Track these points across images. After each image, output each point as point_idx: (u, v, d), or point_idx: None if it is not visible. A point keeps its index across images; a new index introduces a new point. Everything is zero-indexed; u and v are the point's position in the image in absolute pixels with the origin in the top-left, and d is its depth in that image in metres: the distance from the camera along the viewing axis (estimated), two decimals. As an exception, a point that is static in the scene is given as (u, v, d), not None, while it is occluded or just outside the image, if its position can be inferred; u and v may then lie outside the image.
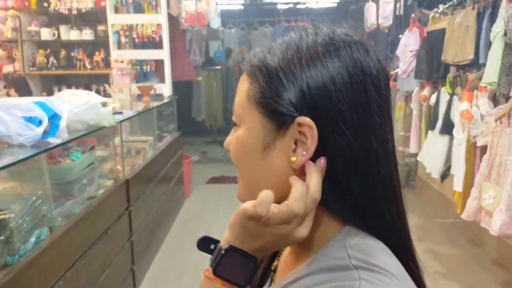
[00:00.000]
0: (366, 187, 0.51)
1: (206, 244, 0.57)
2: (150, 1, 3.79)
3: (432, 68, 2.99)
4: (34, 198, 1.57)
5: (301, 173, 0.50)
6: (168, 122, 3.90)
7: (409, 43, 3.39)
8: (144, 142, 3.05)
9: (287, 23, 7.32)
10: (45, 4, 4.03)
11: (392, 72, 3.96)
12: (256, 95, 0.52)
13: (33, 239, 1.53)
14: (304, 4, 7.58)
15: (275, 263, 0.66)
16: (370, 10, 4.19)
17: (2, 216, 1.39)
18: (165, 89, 3.95)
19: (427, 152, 3.09)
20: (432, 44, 2.99)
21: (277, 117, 0.50)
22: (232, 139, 0.56)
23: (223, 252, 0.52)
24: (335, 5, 7.57)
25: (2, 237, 1.34)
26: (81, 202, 2.01)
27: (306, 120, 0.48)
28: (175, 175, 3.64)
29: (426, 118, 3.21)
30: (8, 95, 4.23)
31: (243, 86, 0.54)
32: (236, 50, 6.88)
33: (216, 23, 4.42)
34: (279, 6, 7.71)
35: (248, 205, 0.49)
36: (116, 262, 2.28)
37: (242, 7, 7.63)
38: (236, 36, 7.37)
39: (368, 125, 0.51)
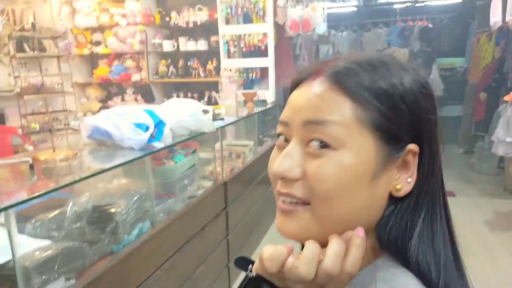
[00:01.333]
0: (433, 215, 0.50)
1: (243, 263, 0.55)
2: (257, 11, 3.95)
3: None
4: (138, 195, 1.78)
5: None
6: (270, 127, 4.02)
7: (541, 42, 2.94)
8: (244, 146, 3.20)
9: (403, 23, 6.94)
10: (167, 19, 4.49)
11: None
12: (374, 118, 0.47)
13: (136, 231, 1.73)
14: (423, 2, 7.09)
15: None
16: (495, 6, 3.73)
17: (111, 210, 1.61)
18: (269, 95, 4.08)
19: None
20: None
21: (395, 143, 0.47)
22: (300, 163, 0.48)
23: (249, 278, 0.50)
24: (460, 1, 6.91)
25: (109, 228, 1.55)
26: (181, 200, 2.20)
27: (414, 147, 0.48)
28: (274, 179, 3.73)
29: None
30: (136, 100, 4.82)
31: (339, 102, 0.47)
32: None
33: (321, 29, 4.41)
34: (396, 6, 7.35)
35: (265, 252, 0.47)
36: (212, 258, 2.43)
37: (355, 9, 7.46)
38: (347, 39, 7.22)
39: (437, 147, 0.51)
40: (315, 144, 0.47)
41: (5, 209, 1.04)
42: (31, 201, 1.20)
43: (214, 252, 2.47)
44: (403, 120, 0.47)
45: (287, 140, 0.51)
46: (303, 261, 0.44)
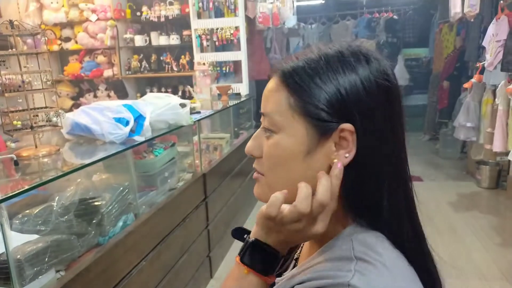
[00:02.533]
0: (387, 188, 0.57)
1: (239, 233, 0.65)
2: (229, 5, 4.00)
3: (522, 59, 2.74)
4: (121, 188, 1.82)
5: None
6: (244, 120, 4.10)
7: (496, 33, 3.14)
8: (221, 139, 3.26)
9: (370, 15, 7.13)
10: (138, 13, 4.47)
11: (478, 64, 3.69)
12: (300, 104, 0.55)
13: (120, 223, 1.78)
14: (388, -6, 7.30)
15: (298, 252, 0.74)
16: (455, -1, 3.93)
17: (96, 203, 1.65)
18: (243, 88, 4.15)
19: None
20: (522, 33, 2.75)
21: (323, 124, 0.55)
22: (261, 145, 0.60)
23: (249, 243, 0.59)
24: (423, -7, 7.17)
25: (95, 220, 1.59)
26: (162, 192, 2.25)
27: (348, 126, 0.54)
28: (250, 170, 3.81)
29: (513, 114, 2.96)
30: (108, 96, 4.78)
31: (279, 94, 0.57)
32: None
33: (291, 22, 4.50)
34: (362, -2, 7.54)
35: (264, 207, 0.57)
36: (194, 248, 2.50)
37: (323, 2, 7.59)
38: (317, 31, 7.36)
39: (392, 127, 0.57)
40: (265, 129, 0.59)
41: (-2, 203, 1.08)
42: (16, 197, 1.23)
43: (196, 242, 2.54)
44: (327, 101, 0.55)
45: None
46: (300, 198, 0.54)
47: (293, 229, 0.55)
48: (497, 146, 3.20)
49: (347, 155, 0.55)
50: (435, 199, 3.91)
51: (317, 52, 0.58)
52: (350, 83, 0.54)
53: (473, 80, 3.89)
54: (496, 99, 3.27)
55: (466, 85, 4.03)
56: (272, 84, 0.59)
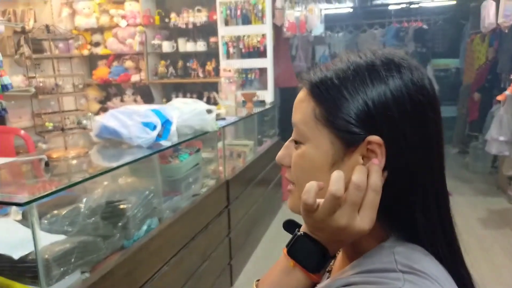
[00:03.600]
0: (422, 202, 0.55)
1: (291, 226, 0.64)
2: (256, 13, 4.01)
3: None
4: (147, 192, 1.83)
5: None
6: (268, 127, 4.08)
7: (533, 44, 3.03)
8: (245, 146, 3.26)
9: (398, 24, 7.04)
10: (166, 20, 4.54)
11: (512, 76, 3.57)
12: (324, 115, 0.55)
13: (145, 227, 1.78)
14: (418, 3, 7.19)
15: (331, 264, 0.72)
16: (488, 8, 3.83)
17: (122, 206, 1.66)
18: (268, 95, 4.14)
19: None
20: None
21: (348, 135, 0.53)
22: (290, 154, 0.60)
23: (298, 236, 0.58)
24: (454, 2, 7.03)
25: (121, 223, 1.60)
26: (186, 198, 2.26)
27: (376, 138, 0.52)
28: (273, 178, 3.80)
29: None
30: (135, 101, 4.86)
31: (306, 105, 0.57)
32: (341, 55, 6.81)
33: (318, 30, 4.47)
34: (391, 7, 7.44)
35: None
36: (215, 255, 2.49)
37: (351, 10, 7.54)
38: (343, 39, 7.31)
39: (426, 142, 0.55)
40: (294, 140, 0.60)
41: (30, 202, 1.09)
42: (46, 197, 1.24)
43: (217, 249, 2.53)
44: (352, 111, 0.53)
45: None
46: (333, 181, 0.51)
47: (335, 224, 0.52)
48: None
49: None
50: (463, 215, 3.78)
51: (346, 61, 0.57)
52: (378, 94, 0.53)
53: (507, 92, 3.76)
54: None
55: (499, 98, 3.89)
56: (301, 94, 0.59)
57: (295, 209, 0.60)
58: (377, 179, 0.52)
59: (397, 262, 0.52)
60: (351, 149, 0.54)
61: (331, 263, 0.72)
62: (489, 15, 3.81)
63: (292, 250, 0.58)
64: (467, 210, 3.90)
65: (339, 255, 0.69)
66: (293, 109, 0.60)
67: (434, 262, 0.54)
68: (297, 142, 0.59)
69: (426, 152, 0.55)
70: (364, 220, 0.52)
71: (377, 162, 0.52)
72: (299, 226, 0.61)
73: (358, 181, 0.51)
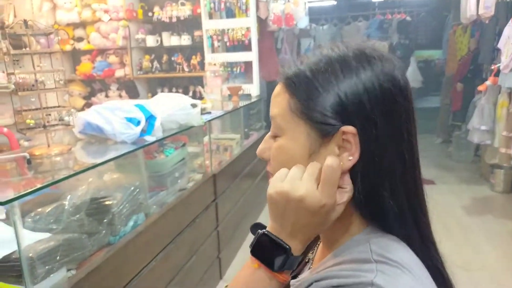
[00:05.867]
0: (393, 191, 0.56)
1: (257, 228, 0.62)
2: (240, 6, 3.99)
3: (539, 61, 2.69)
4: (132, 188, 1.82)
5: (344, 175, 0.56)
6: (255, 120, 4.09)
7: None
8: (231, 139, 3.26)
9: (382, 16, 7.08)
10: (150, 14, 4.49)
11: (493, 67, 3.63)
12: (299, 107, 0.56)
13: (131, 223, 1.78)
14: (402, -5, 7.24)
15: (312, 254, 0.74)
16: (469, 0, 3.88)
17: (107, 202, 1.65)
18: (253, 89, 4.14)
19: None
20: (539, 35, 2.69)
21: (323, 127, 0.55)
22: (270, 147, 0.61)
23: (259, 235, 0.58)
24: (436, -6, 7.10)
25: (106, 220, 1.59)
26: (173, 193, 2.25)
27: (350, 128, 0.54)
28: (260, 171, 3.82)
29: (530, 117, 2.90)
30: (120, 96, 4.80)
31: (282, 98, 0.59)
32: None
33: (303, 23, 4.47)
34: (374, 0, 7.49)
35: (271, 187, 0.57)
36: (203, 249, 2.50)
37: (335, 3, 7.56)
38: (328, 32, 7.32)
39: (397, 131, 0.56)
40: (272, 133, 0.61)
41: (12, 201, 1.08)
42: (29, 195, 1.23)
43: (205, 243, 2.54)
44: (325, 106, 0.54)
45: None
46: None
47: (296, 195, 0.53)
48: (513, 150, 3.14)
49: (350, 158, 0.54)
50: (447, 203, 3.85)
51: (319, 55, 0.58)
52: (350, 86, 0.54)
53: (487, 82, 3.83)
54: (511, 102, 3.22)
55: (480, 88, 3.97)
56: (277, 89, 0.60)
57: None
58: (333, 158, 0.54)
59: (372, 251, 0.54)
60: (327, 140, 0.55)
61: (312, 253, 0.73)
62: (470, 7, 3.86)
63: (255, 250, 0.58)
64: (451, 198, 3.98)
65: (319, 247, 0.70)
66: (270, 104, 0.61)
67: (406, 250, 0.56)
68: (275, 136, 0.60)
69: (398, 141, 0.56)
70: (322, 193, 0.53)
71: (331, 158, 0.54)
72: (264, 227, 0.60)
73: (310, 168, 0.55)
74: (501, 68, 3.34)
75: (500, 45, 3.41)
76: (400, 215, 0.57)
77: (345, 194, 0.55)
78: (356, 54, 0.56)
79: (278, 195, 0.55)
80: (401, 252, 0.55)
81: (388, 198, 0.56)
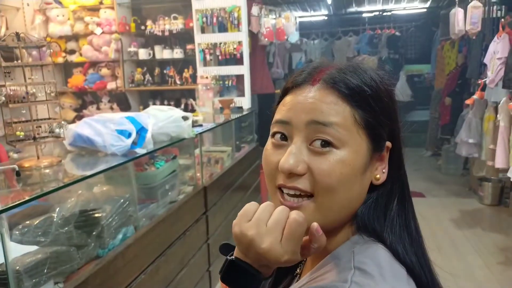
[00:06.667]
0: (394, 205, 0.60)
1: (226, 250, 0.61)
2: (232, 20, 4.05)
3: (523, 76, 2.76)
4: (122, 200, 1.81)
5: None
6: (246, 133, 4.10)
7: (497, 50, 3.17)
8: (222, 152, 3.27)
9: (372, 31, 7.21)
10: (142, 27, 4.52)
11: (479, 81, 3.71)
12: (366, 119, 0.56)
13: (120, 235, 1.77)
14: (390, 11, 7.39)
15: (298, 270, 0.73)
16: (457, 16, 3.98)
17: (96, 215, 1.64)
18: (245, 102, 4.17)
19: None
20: (523, 51, 2.77)
21: (381, 142, 0.58)
22: (304, 160, 0.55)
23: (228, 262, 0.56)
24: (425, 10, 7.25)
25: (95, 232, 1.58)
26: (163, 205, 2.25)
27: (389, 143, 0.59)
28: (252, 183, 3.82)
29: (515, 131, 2.97)
30: (111, 109, 4.80)
31: (342, 108, 0.55)
32: (317, 61, 6.92)
33: (294, 38, 4.55)
34: (364, 15, 7.62)
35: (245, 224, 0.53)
36: (193, 262, 2.48)
37: (326, 18, 7.68)
38: (319, 46, 7.44)
39: (401, 153, 0.63)
40: (318, 143, 0.54)
41: (-1, 213, 1.08)
42: (17, 208, 1.23)
43: (195, 256, 2.52)
44: (384, 119, 0.58)
45: (285, 138, 0.58)
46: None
47: (265, 260, 0.53)
48: (499, 163, 3.20)
49: (384, 170, 0.59)
50: (437, 216, 3.89)
51: (369, 72, 0.59)
52: (394, 106, 0.60)
53: (475, 96, 3.91)
54: (498, 116, 3.28)
55: (468, 102, 4.04)
56: (326, 95, 0.56)
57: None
58: (299, 214, 0.52)
59: (355, 259, 0.54)
60: (375, 155, 0.58)
61: (300, 267, 0.73)
62: (458, 22, 3.96)
63: (225, 275, 0.56)
64: (441, 211, 4.01)
65: (308, 260, 0.70)
66: (316, 109, 0.55)
67: (392, 260, 0.56)
68: (326, 146, 0.54)
69: (402, 155, 0.62)
70: (286, 248, 0.51)
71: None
72: (233, 249, 0.58)
73: (278, 215, 0.52)
74: (487, 82, 3.42)
75: (486, 60, 3.49)
76: (392, 225, 0.59)
77: (312, 250, 0.54)
78: (366, 67, 0.61)
79: (243, 237, 0.52)
80: (385, 262, 0.55)
81: (389, 211, 0.59)
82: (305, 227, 0.52)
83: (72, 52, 4.75)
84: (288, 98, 0.59)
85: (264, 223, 0.52)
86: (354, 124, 0.55)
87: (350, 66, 0.59)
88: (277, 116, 0.59)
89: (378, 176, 0.58)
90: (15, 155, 1.73)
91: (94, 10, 4.58)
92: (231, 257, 0.56)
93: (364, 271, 0.52)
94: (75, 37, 4.71)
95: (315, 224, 0.53)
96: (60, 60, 4.71)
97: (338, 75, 0.56)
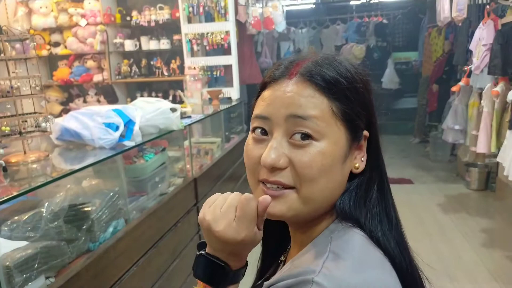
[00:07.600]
0: (374, 192, 0.62)
1: (201, 248, 0.63)
2: (219, 10, 4.01)
3: (507, 63, 2.79)
4: (112, 193, 1.81)
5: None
6: (236, 124, 4.10)
7: (483, 37, 3.20)
8: (212, 143, 3.26)
9: (359, 19, 7.21)
10: (128, 18, 4.46)
11: (465, 68, 3.75)
12: (343, 111, 0.57)
13: (111, 229, 1.77)
14: (378, -1, 7.39)
15: (282, 258, 0.74)
16: (443, 3, 3.99)
17: (86, 209, 1.64)
18: (233, 92, 4.15)
19: (506, 152, 2.90)
20: (507, 38, 2.80)
21: (359, 132, 0.59)
22: (285, 154, 0.56)
23: (197, 257, 0.61)
24: (412, -2, 7.26)
25: (85, 226, 1.58)
26: (153, 198, 2.24)
27: (366, 132, 0.60)
28: (242, 174, 3.82)
29: (498, 116, 3.01)
30: (98, 101, 4.75)
31: (320, 101, 0.56)
32: (305, 50, 6.90)
33: (281, 27, 4.53)
34: (352, 2, 7.61)
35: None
36: (185, 253, 2.49)
37: (313, 6, 7.65)
38: (307, 35, 7.41)
39: (379, 141, 0.64)
40: (298, 136, 0.55)
41: (-13, 209, 1.07)
42: (5, 203, 1.22)
43: (187, 247, 2.53)
44: (361, 109, 0.59)
45: (265, 133, 0.59)
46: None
47: (225, 244, 0.57)
48: (480, 148, 3.24)
49: (363, 158, 0.60)
50: (425, 202, 3.95)
51: (345, 64, 0.60)
52: (369, 96, 0.61)
53: (460, 83, 3.94)
54: (481, 102, 3.32)
55: (454, 89, 4.08)
56: (303, 89, 0.56)
57: (290, 214, 0.57)
58: (247, 194, 0.57)
59: (331, 244, 0.55)
60: (354, 144, 0.59)
61: (284, 255, 0.74)
62: (444, 9, 3.97)
63: (197, 271, 0.60)
64: (428, 197, 4.07)
65: (292, 245, 0.71)
66: (294, 103, 0.55)
67: (368, 245, 0.57)
68: (306, 139, 0.55)
69: (377, 141, 0.64)
70: (239, 227, 0.55)
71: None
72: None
73: (230, 200, 0.57)
74: (472, 69, 3.45)
75: (471, 47, 3.52)
76: (371, 211, 0.60)
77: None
78: (342, 58, 0.62)
79: (202, 223, 0.57)
80: (361, 246, 0.56)
81: (369, 198, 0.61)
82: (255, 203, 0.55)
83: (56, 44, 4.67)
84: (266, 93, 0.59)
85: (219, 208, 0.56)
86: (332, 116, 0.56)
87: (326, 59, 0.59)
88: (257, 111, 0.59)
89: (357, 165, 0.60)
90: (1, 151, 1.71)
91: (78, 1, 4.51)
92: (200, 252, 0.60)
93: (337, 255, 0.53)
94: (59, 29, 4.63)
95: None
96: (44, 53, 4.63)
97: (314, 68, 0.57)
